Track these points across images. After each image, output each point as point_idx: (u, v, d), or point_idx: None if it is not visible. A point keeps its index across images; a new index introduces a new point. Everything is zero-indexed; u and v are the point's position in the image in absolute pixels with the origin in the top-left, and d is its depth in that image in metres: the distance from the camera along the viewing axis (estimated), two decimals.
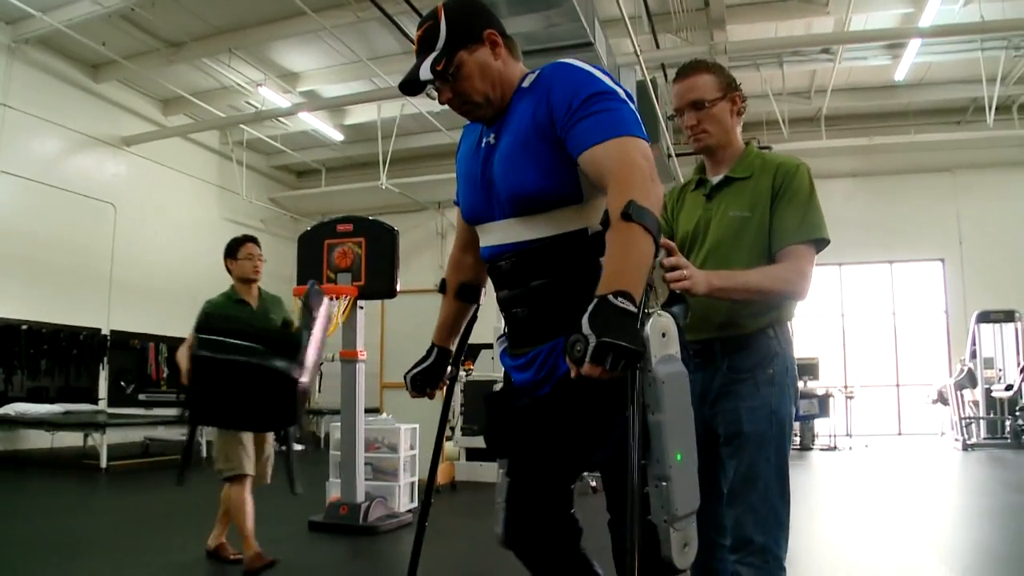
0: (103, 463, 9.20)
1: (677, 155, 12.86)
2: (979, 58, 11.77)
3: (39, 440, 11.27)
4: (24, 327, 11.54)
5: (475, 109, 2.06)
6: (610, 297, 1.58)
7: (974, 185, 14.92)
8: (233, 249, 4.95)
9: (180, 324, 14.05)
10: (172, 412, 12.54)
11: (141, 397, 13.16)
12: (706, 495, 2.12)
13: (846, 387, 14.51)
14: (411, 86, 2.04)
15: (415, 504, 6.72)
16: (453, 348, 2.46)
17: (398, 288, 6.06)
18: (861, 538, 5.56)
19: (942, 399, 13.49)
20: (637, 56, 9.42)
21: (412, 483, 6.82)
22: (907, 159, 14.58)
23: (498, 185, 2.00)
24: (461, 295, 2.42)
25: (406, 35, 10.43)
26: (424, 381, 2.40)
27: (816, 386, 13.00)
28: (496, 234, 2.05)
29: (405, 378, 2.44)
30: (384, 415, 7.20)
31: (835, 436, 13.22)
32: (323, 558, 5.14)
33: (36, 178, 11.98)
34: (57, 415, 10.43)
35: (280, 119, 14.37)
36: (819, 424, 13.18)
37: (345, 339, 6.01)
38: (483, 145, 2.09)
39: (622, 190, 1.70)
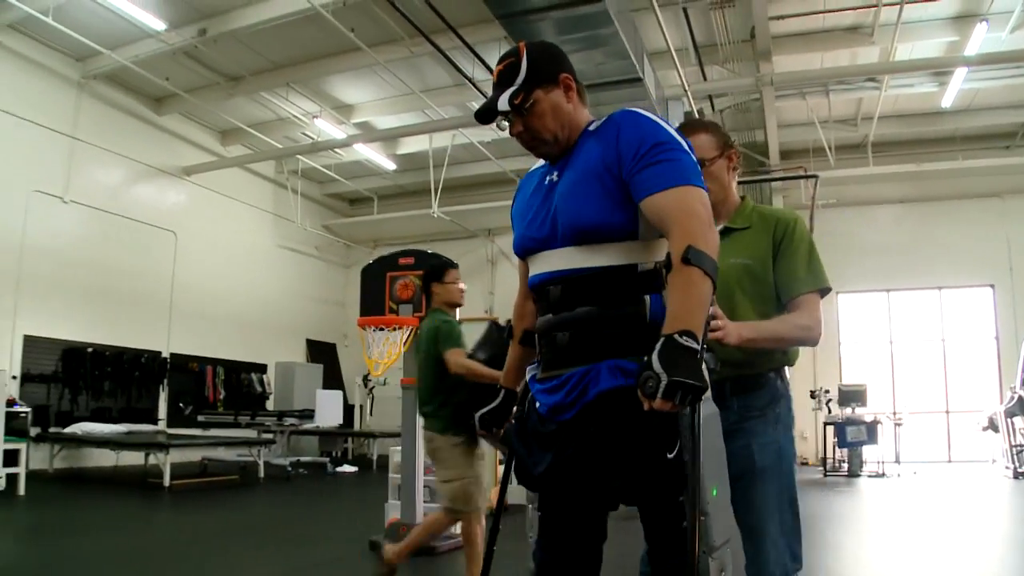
0: (166, 482, 9.52)
1: None
2: None
3: (103, 458, 11.73)
4: (89, 349, 12.03)
5: (541, 145, 2.19)
6: (675, 336, 1.72)
7: None
8: (440, 273, 4.79)
9: (236, 348, 14.73)
10: (229, 433, 12.95)
11: (200, 418, 13.56)
12: None
13: (894, 414, 14.43)
14: (487, 115, 2.18)
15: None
16: (519, 390, 2.49)
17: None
18: (909, 565, 5.60)
19: (993, 426, 13.32)
20: (684, 89, 9.62)
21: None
22: (955, 185, 14.50)
23: (559, 216, 2.09)
24: (525, 341, 2.47)
25: (458, 69, 10.73)
26: (492, 421, 2.49)
27: (864, 412, 12.99)
28: (550, 261, 2.13)
29: (475, 417, 2.53)
30: None
31: (883, 463, 13.14)
32: None
33: (102, 207, 12.55)
34: (120, 435, 10.82)
35: (335, 150, 14.76)
36: (867, 451, 13.07)
37: (406, 367, 6.21)
38: (546, 182, 2.20)
39: (683, 236, 1.84)
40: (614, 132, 2.06)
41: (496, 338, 4.30)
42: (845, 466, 13.06)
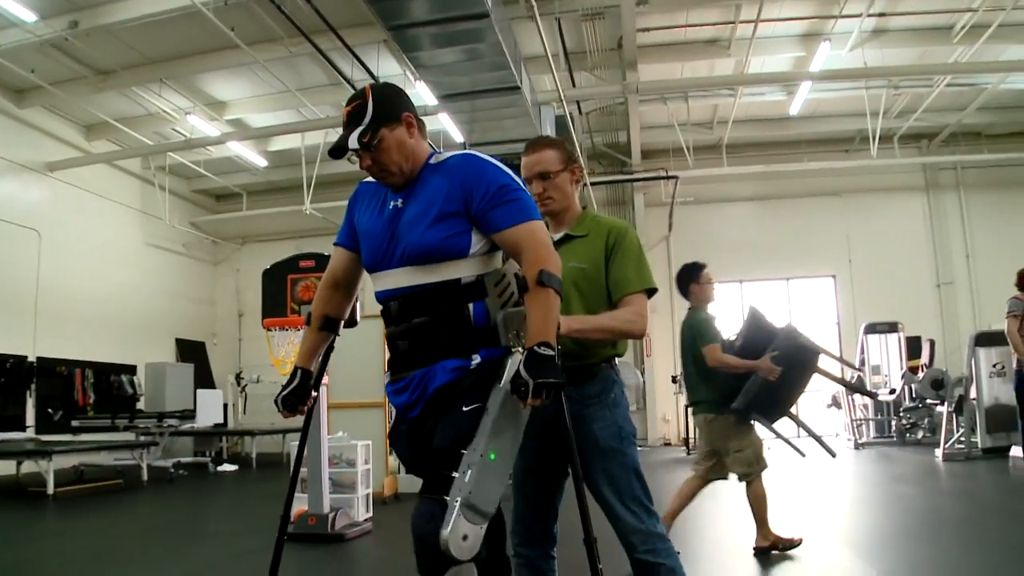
0: (50, 489, 9.32)
1: (592, 184, 13.69)
2: (864, 95, 13.22)
3: None
4: None
5: (389, 176, 2.45)
6: (535, 348, 2.15)
7: (861, 208, 16.28)
8: (696, 273, 5.20)
9: (105, 350, 14.40)
10: (107, 437, 12.68)
11: (74, 423, 13.20)
12: (545, 511, 2.78)
13: None
14: (338, 152, 2.45)
15: (371, 513, 7.19)
16: (313, 371, 2.75)
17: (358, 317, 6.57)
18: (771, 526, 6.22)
19: (836, 403, 14.60)
20: (559, 93, 10.15)
21: (367, 495, 7.27)
22: (801, 184, 15.80)
23: (402, 241, 2.38)
24: (324, 326, 2.75)
25: (336, 69, 10.93)
26: (295, 400, 2.67)
27: None
28: (390, 280, 2.43)
29: (276, 401, 2.69)
30: (340, 433, 7.64)
31: None
32: (305, 563, 5.55)
33: None
34: None
35: (206, 147, 14.61)
36: None
37: None
38: (390, 207, 2.47)
39: (536, 262, 2.25)
40: (458, 174, 2.39)
41: (752, 326, 5.34)
42: None
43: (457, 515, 2.06)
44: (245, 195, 17.66)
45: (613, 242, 2.80)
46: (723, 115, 14.27)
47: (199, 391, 13.95)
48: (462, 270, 2.36)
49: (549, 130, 11.39)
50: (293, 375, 2.70)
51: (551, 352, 2.16)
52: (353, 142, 2.39)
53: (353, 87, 11.19)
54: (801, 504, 7.60)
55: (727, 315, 16.42)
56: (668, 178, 14.92)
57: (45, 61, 11.64)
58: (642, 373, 15.69)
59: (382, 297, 2.48)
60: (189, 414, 13.62)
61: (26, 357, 12.90)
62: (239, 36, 10.46)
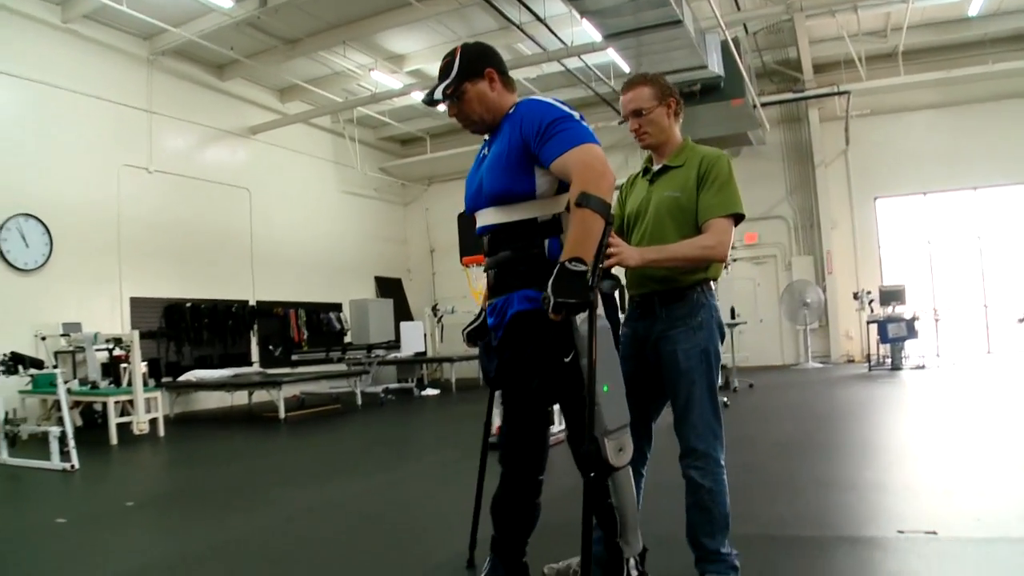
0: (281, 414, 10.80)
1: (763, 104, 13.64)
2: None
3: (211, 400, 13.19)
4: (187, 304, 13.25)
5: (471, 125, 2.81)
6: (566, 263, 2.31)
7: None
8: None
9: (313, 290, 15.94)
10: (326, 368, 14.19)
11: (293, 357, 14.85)
12: (638, 429, 2.83)
13: (934, 311, 15.21)
14: (429, 101, 2.82)
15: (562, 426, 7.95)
16: None
17: None
18: (949, 448, 6.26)
19: None
20: (718, 20, 10.29)
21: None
22: (986, 87, 14.79)
23: (484, 184, 2.73)
24: None
25: (503, 15, 11.49)
26: (476, 335, 3.01)
27: (904, 311, 13.79)
28: (481, 218, 2.78)
29: (463, 333, 3.07)
30: None
31: (924, 357, 14.00)
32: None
33: (182, 172, 13.62)
34: (228, 378, 12.09)
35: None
36: (909, 346, 13.89)
37: None
38: (481, 156, 2.85)
39: (578, 184, 2.42)
40: (518, 118, 2.66)
41: None
42: (888, 361, 13.89)
43: (605, 445, 2.48)
44: (428, 139, 18.68)
45: (704, 170, 2.89)
46: (896, 22, 13.69)
47: (401, 323, 15.32)
48: (537, 210, 2.63)
49: (715, 57, 11.51)
50: (479, 314, 3.02)
51: (583, 267, 2.32)
52: (439, 94, 2.76)
53: (522, 30, 11.78)
54: (981, 425, 7.40)
55: (911, 231, 16.10)
56: (839, 94, 14.58)
57: (241, 38, 12.88)
58: (823, 290, 15.63)
59: (478, 233, 2.84)
60: (393, 344, 15.02)
61: (247, 301, 14.56)
62: None
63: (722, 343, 2.99)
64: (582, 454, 2.40)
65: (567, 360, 2.51)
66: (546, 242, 2.62)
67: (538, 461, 2.71)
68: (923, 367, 13.50)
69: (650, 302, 2.96)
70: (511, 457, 2.71)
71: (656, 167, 3.06)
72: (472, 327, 3.05)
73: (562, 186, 2.60)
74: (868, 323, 14.44)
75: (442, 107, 2.88)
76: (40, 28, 11.31)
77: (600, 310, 2.47)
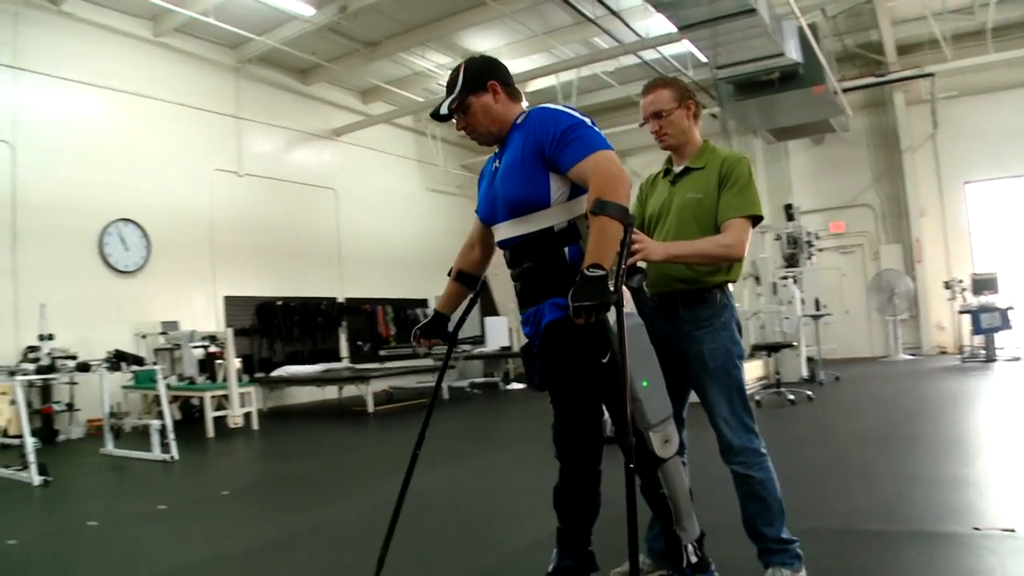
0: (370, 408, 11.14)
1: (844, 91, 13.35)
2: None
3: (302, 395, 13.66)
4: (279, 303, 13.70)
5: (479, 137, 2.86)
6: (585, 270, 2.31)
7: None
8: None
9: (399, 287, 16.26)
10: (405, 364, 14.51)
11: (381, 353, 15.23)
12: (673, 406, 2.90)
13: None
14: (437, 116, 2.87)
15: None
16: (450, 315, 3.26)
17: None
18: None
19: None
20: (792, 7, 10.16)
21: None
22: None
23: (499, 197, 2.77)
24: (459, 279, 3.26)
25: (578, 10, 11.55)
26: (422, 333, 3.23)
27: (997, 299, 13.36)
28: (500, 232, 2.85)
29: (413, 332, 3.27)
30: None
31: (1020, 347, 13.51)
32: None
33: (270, 175, 14.10)
34: (319, 373, 12.47)
35: None
36: (1003, 336, 13.46)
37: None
38: (492, 168, 2.88)
39: (595, 191, 2.44)
40: (530, 127, 2.68)
41: None
42: (983, 352, 13.47)
43: (650, 438, 2.59)
44: None
45: (726, 172, 2.96)
46: None
47: (485, 319, 15.55)
48: (552, 218, 2.67)
49: (792, 43, 11.32)
50: (430, 316, 3.25)
51: (601, 272, 2.31)
52: (444, 109, 2.83)
53: (597, 24, 11.85)
54: None
55: (1004, 217, 15.46)
56: (923, 76, 14.16)
57: (323, 43, 13.24)
58: (913, 279, 15.18)
59: (500, 246, 2.94)
60: (478, 340, 15.23)
61: (335, 298, 14.96)
62: None
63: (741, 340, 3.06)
64: (622, 446, 2.42)
65: (604, 361, 2.55)
66: (565, 250, 2.68)
67: (592, 453, 2.80)
68: (1018, 359, 13.07)
69: (672, 302, 3.03)
70: (565, 451, 2.82)
71: (677, 169, 3.13)
72: (421, 326, 3.25)
73: (575, 190, 2.65)
74: (960, 313, 14.04)
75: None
76: (134, 43, 11.90)
77: (631, 307, 2.57)
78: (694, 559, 2.78)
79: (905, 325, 15.33)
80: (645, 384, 2.57)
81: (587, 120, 2.66)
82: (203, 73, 13.04)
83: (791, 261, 12.34)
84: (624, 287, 2.48)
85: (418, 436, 3.24)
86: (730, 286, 3.06)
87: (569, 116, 2.64)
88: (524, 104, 2.92)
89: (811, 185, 16.64)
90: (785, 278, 11.50)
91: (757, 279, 11.66)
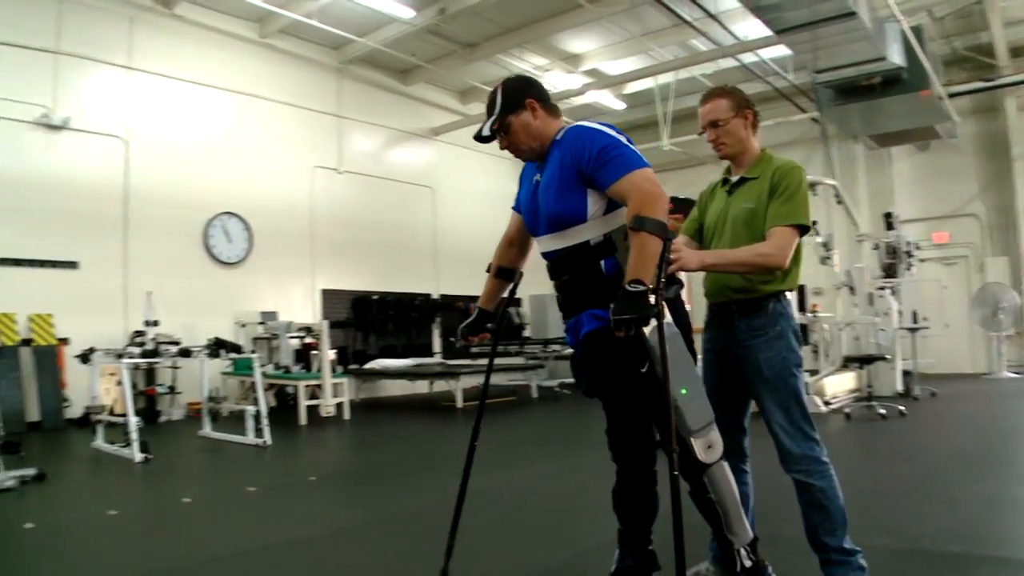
0: (459, 403, 11.34)
1: (950, 96, 12.89)
2: None
3: (392, 388, 14.00)
4: (374, 297, 14.03)
5: (522, 154, 2.94)
6: (627, 286, 2.39)
7: None
8: None
9: None
10: (502, 361, 14.66)
11: (472, 350, 15.38)
12: (730, 428, 2.98)
13: None
14: (480, 137, 2.94)
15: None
16: (493, 311, 3.30)
17: None
18: None
19: None
20: (891, 10, 9.90)
21: None
22: None
23: (541, 210, 2.84)
24: (499, 275, 3.32)
25: (675, 13, 11.50)
26: (469, 332, 3.27)
27: None
28: (542, 244, 2.92)
29: (457, 330, 3.32)
30: None
31: None
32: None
33: (369, 172, 14.49)
34: (411, 367, 12.74)
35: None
36: None
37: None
38: (534, 181, 2.93)
39: (634, 208, 2.50)
40: (568, 146, 2.75)
41: None
42: None
43: (693, 444, 2.60)
44: None
45: (776, 180, 2.94)
46: None
47: None
48: (588, 232, 2.74)
49: (895, 47, 10.99)
50: (474, 312, 3.30)
51: (641, 288, 2.39)
52: (487, 130, 2.90)
53: (695, 27, 11.79)
54: None
55: None
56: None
57: (422, 44, 13.51)
58: (1020, 294, 14.42)
59: (543, 257, 2.97)
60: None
61: (430, 295, 15.25)
62: None
63: (800, 349, 3.02)
64: (667, 454, 2.46)
65: (643, 370, 2.60)
66: (601, 263, 2.74)
67: (645, 456, 2.87)
68: None
69: (728, 311, 3.04)
70: (619, 454, 2.92)
71: (734, 178, 3.13)
72: (466, 324, 3.29)
73: (611, 205, 2.71)
74: None
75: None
76: (241, 44, 12.44)
77: (668, 317, 2.55)
78: (748, 563, 2.80)
79: (1011, 341, 14.58)
80: (684, 392, 2.57)
81: (623, 138, 2.72)
82: (306, 73, 13.47)
83: (889, 271, 11.97)
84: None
85: (473, 429, 3.25)
86: (788, 295, 3.03)
87: (605, 135, 2.70)
88: (563, 119, 2.98)
89: (914, 193, 16.04)
90: (882, 289, 11.18)
91: (852, 289, 11.35)
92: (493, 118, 2.89)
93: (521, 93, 2.90)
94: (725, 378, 3.04)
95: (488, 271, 3.35)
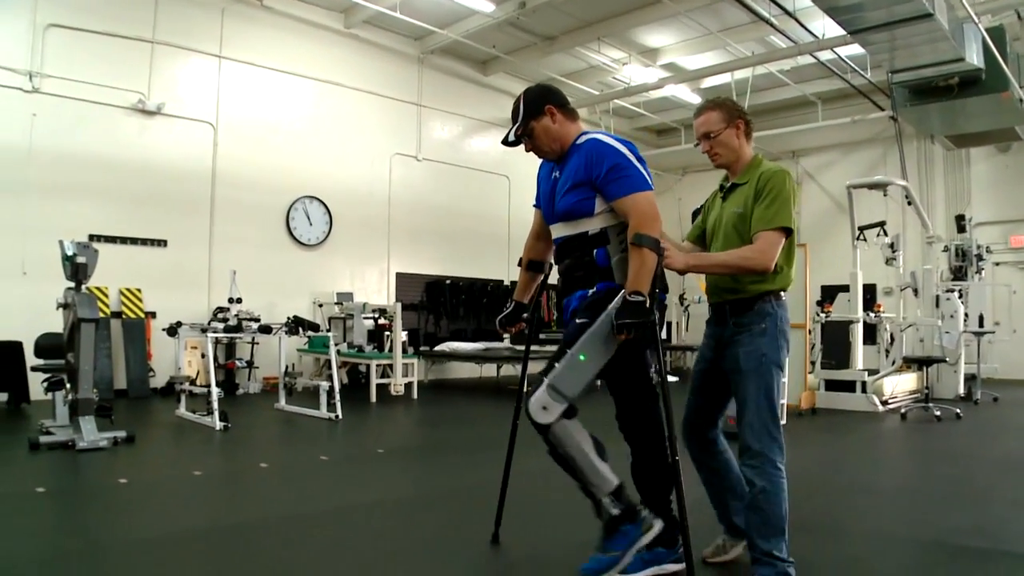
0: (525, 388, 11.55)
1: None
2: None
3: (461, 370, 14.43)
4: (447, 282, 14.40)
5: (544, 155, 3.33)
6: (628, 296, 2.83)
7: None
8: None
9: None
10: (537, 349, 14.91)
11: (541, 336, 15.65)
12: (713, 404, 3.30)
13: None
14: (506, 143, 3.30)
15: (785, 422, 8.09)
16: (528, 303, 3.68)
17: None
18: None
19: None
20: (967, 11, 9.81)
21: (782, 404, 8.15)
22: None
23: (556, 203, 3.20)
24: (530, 268, 3.67)
25: (752, 10, 11.55)
26: (506, 322, 3.71)
27: None
28: (554, 231, 3.31)
29: (496, 321, 3.75)
30: None
31: None
32: None
33: (446, 160, 14.82)
34: (480, 351, 13.08)
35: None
36: None
37: None
38: (553, 176, 3.30)
39: (634, 226, 2.92)
40: (585, 155, 3.09)
41: None
42: None
43: (542, 390, 2.89)
44: (683, 129, 18.82)
45: (761, 185, 3.04)
46: None
47: None
48: (590, 225, 3.12)
49: (974, 48, 10.86)
50: (509, 304, 3.70)
51: (641, 298, 2.82)
52: (511, 135, 3.26)
53: (772, 24, 11.82)
54: None
55: None
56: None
57: (502, 37, 13.79)
58: None
59: (553, 242, 3.38)
60: None
61: (502, 281, 15.51)
62: None
63: (787, 351, 3.13)
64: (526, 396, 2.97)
65: (578, 321, 3.01)
66: (595, 251, 3.12)
67: (651, 432, 3.20)
68: None
69: (723, 310, 3.20)
70: (627, 434, 3.27)
71: (728, 184, 3.28)
72: (503, 315, 3.72)
73: None
74: None
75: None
76: (326, 34, 12.89)
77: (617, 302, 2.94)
78: (615, 511, 3.01)
79: None
80: (582, 358, 2.90)
81: (634, 157, 3.05)
82: (388, 63, 13.87)
83: (958, 274, 11.86)
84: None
85: (515, 409, 3.58)
86: (783, 295, 3.13)
87: (619, 154, 3.04)
88: (580, 124, 3.34)
89: (992, 195, 15.71)
90: (950, 291, 11.11)
91: (915, 291, 11.29)
92: (517, 124, 3.24)
93: (541, 100, 3.24)
94: (712, 373, 3.25)
95: (519, 264, 3.71)
